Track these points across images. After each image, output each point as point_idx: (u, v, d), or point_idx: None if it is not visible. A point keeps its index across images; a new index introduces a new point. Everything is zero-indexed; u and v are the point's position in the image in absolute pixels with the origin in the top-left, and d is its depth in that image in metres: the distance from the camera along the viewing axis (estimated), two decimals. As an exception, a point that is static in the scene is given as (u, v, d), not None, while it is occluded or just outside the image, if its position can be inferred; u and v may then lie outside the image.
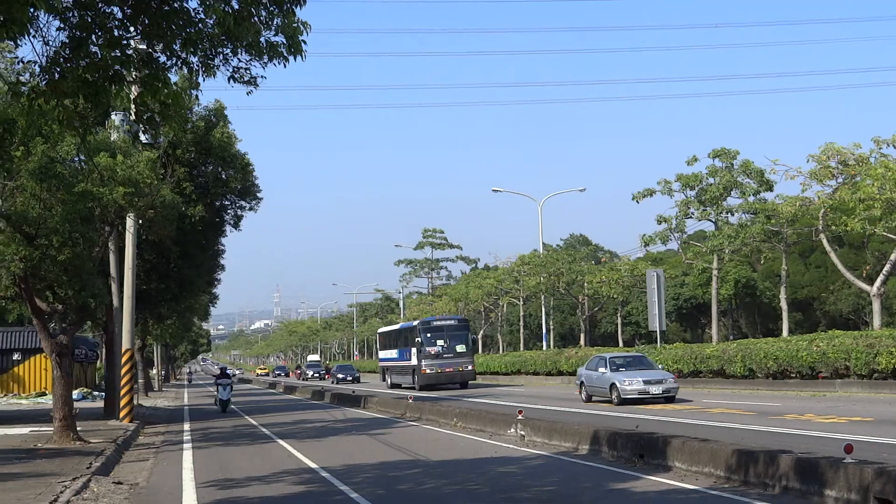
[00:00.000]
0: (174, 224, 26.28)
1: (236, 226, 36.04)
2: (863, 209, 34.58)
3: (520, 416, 20.15)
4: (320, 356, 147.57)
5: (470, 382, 49.87)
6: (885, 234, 37.67)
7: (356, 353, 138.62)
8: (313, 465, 16.90)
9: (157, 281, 33.55)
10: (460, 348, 49.12)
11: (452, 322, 51.68)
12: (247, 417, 32.96)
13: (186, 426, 29.95)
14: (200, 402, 51.75)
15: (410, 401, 30.28)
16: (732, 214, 46.17)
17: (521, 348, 71.41)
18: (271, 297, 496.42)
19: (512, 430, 20.15)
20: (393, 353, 57.04)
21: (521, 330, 74.97)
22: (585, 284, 61.02)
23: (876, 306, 37.11)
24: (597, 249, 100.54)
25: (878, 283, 37.19)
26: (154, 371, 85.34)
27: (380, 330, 68.10)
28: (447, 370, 48.50)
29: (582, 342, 62.87)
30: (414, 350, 49.77)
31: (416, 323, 52.98)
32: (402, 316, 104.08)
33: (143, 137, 24.85)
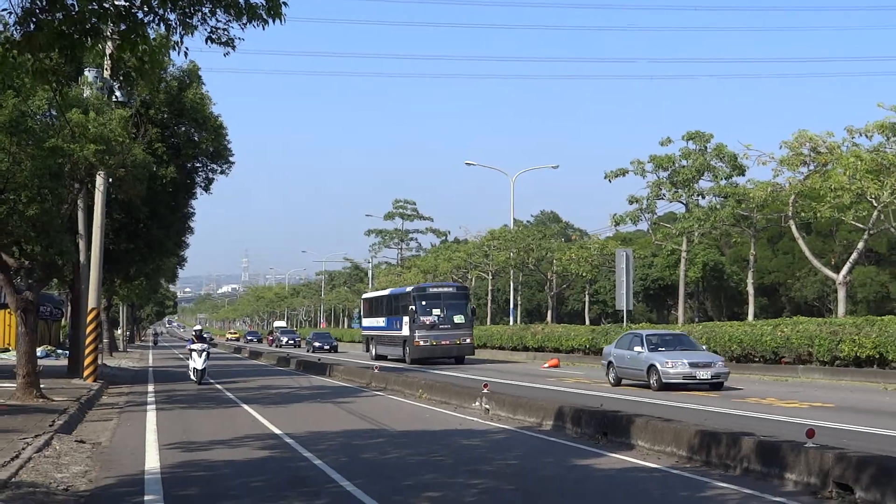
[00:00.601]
0: (145, 184, 26.05)
1: (207, 189, 35.74)
2: (833, 197, 34.85)
3: (485, 390, 20.22)
4: (287, 322, 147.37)
5: (466, 357, 45.55)
6: (853, 222, 38.02)
7: (322, 320, 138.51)
8: (277, 431, 16.89)
9: (125, 241, 33.30)
10: (458, 319, 44.63)
11: (450, 289, 47.50)
12: (212, 382, 32.87)
13: (150, 388, 29.83)
14: (165, 364, 51.56)
15: (376, 370, 30.30)
16: (703, 197, 46.41)
17: (488, 322, 71.57)
18: (240, 262, 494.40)
19: (477, 403, 20.22)
20: (380, 322, 51.96)
21: (489, 304, 75.13)
22: (554, 261, 61.18)
23: (841, 294, 37.47)
24: (567, 227, 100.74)
25: (844, 271, 37.54)
26: (119, 331, 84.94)
27: (364, 295, 62.55)
28: (443, 343, 44.12)
29: (549, 319, 63.13)
30: (406, 319, 45.43)
31: (409, 289, 47.92)
32: (370, 286, 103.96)
33: (117, 94, 24.58)
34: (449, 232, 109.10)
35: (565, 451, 14.10)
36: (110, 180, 27.13)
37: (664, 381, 25.26)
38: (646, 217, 48.34)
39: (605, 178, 47.63)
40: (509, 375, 33.85)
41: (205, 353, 31.14)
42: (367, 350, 54.95)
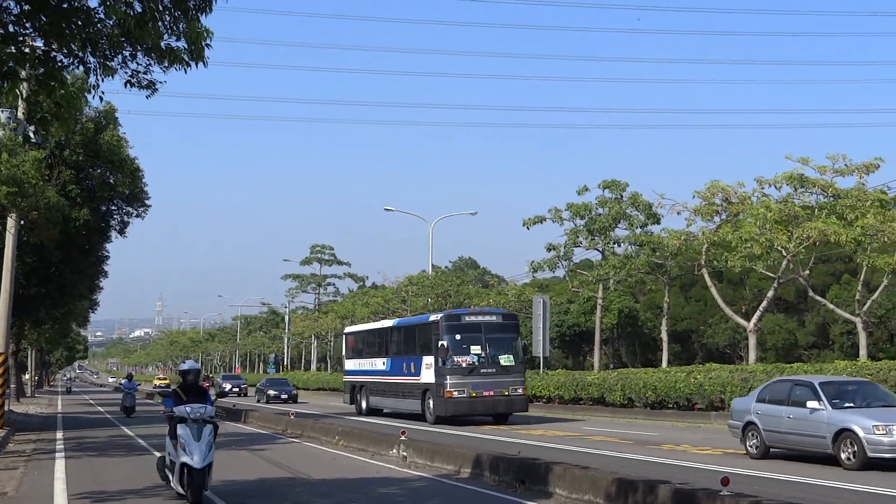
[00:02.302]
0: (58, 227, 25.61)
1: (122, 232, 35.26)
2: (743, 247, 35.65)
3: (403, 437, 20.12)
4: (201, 367, 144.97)
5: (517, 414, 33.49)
6: (763, 272, 38.90)
7: (237, 365, 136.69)
8: (191, 480, 16.53)
9: (36, 285, 32.61)
10: (506, 360, 32.26)
11: (494, 318, 33.77)
12: (122, 428, 32.14)
13: (59, 434, 29.06)
14: (75, 410, 50.31)
15: (292, 417, 29.96)
16: (619, 245, 47.09)
17: (406, 368, 71.28)
18: (154, 306, 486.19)
19: (394, 450, 20.09)
20: (377, 364, 38.64)
21: (407, 350, 74.76)
22: (472, 308, 61.31)
23: (752, 341, 38.22)
24: (485, 273, 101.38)
25: (754, 319, 38.33)
26: (27, 376, 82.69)
27: (350, 329, 47.84)
28: (486, 394, 31.47)
29: (466, 365, 63.07)
30: (427, 360, 32.99)
31: (435, 317, 34.11)
32: (287, 330, 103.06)
33: (31, 136, 24.16)
34: (367, 277, 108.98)
35: (483, 500, 14.08)
36: (22, 223, 26.56)
37: (870, 455, 17.05)
38: (563, 264, 48.83)
39: (524, 225, 48.02)
40: (311, 407, 33.35)
41: (209, 430, 13.76)
42: (352, 402, 41.21)
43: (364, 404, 39.36)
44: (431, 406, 32.58)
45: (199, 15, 9.26)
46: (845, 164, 35.99)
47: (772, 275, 38.01)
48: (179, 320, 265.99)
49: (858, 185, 35.79)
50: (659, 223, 45.63)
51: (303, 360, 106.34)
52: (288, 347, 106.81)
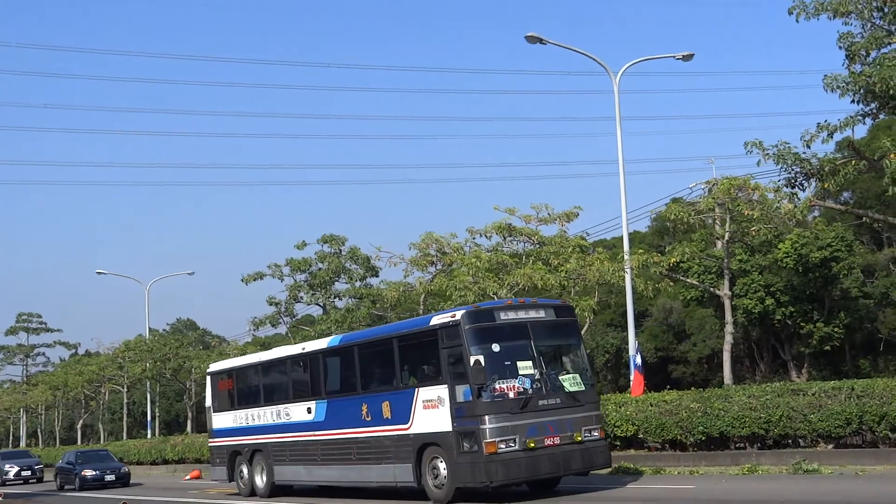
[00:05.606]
0: None
1: None
2: (458, 296, 36.92)
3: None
4: None
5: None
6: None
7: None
8: None
9: None
10: (572, 382, 19.39)
11: (543, 315, 19.92)
12: None
13: None
14: None
15: (1, 498, 28.03)
16: (340, 299, 47.60)
17: (125, 437, 68.50)
18: None
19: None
20: (293, 413, 24.12)
21: (125, 418, 71.98)
22: (193, 370, 59.94)
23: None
24: (205, 334, 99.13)
25: (472, 364, 39.59)
26: None
27: (220, 366, 29.56)
28: (549, 443, 18.53)
29: (189, 429, 61.47)
30: (428, 395, 19.38)
31: (445, 318, 19.41)
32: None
33: None
34: (80, 344, 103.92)
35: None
36: None
37: None
38: (285, 320, 48.76)
39: (243, 281, 47.57)
40: (151, 491, 32.51)
41: None
42: (231, 477, 26.67)
43: (261, 479, 25.17)
44: (445, 473, 18.88)
45: None
46: (548, 213, 38.04)
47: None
48: None
49: (560, 232, 38.00)
50: (378, 275, 46.61)
51: (11, 437, 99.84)
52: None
